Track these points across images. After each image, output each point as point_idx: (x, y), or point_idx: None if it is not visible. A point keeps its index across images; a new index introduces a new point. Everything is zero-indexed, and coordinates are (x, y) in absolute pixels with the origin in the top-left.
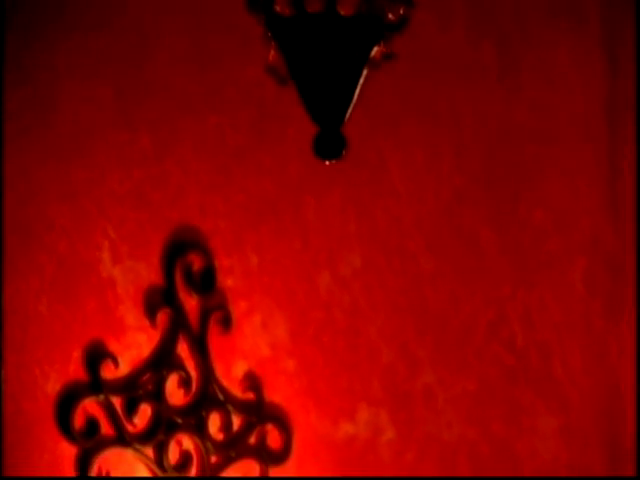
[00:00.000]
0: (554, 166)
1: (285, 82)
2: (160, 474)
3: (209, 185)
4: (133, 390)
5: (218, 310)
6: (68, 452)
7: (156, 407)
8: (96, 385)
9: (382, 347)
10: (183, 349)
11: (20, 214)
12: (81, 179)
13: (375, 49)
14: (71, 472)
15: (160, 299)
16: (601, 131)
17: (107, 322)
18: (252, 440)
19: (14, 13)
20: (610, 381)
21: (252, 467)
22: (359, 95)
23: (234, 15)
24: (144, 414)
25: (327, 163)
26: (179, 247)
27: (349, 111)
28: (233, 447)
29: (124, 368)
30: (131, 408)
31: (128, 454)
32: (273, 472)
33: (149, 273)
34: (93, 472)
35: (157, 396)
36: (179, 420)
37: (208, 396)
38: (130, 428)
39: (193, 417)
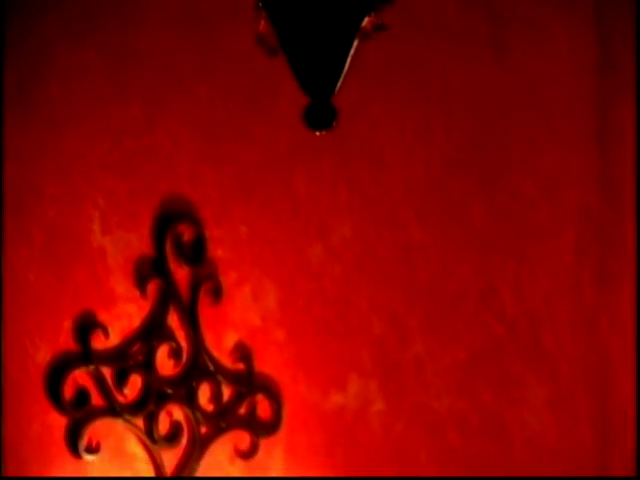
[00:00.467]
0: (544, 137)
1: (275, 52)
2: (150, 444)
3: (199, 155)
4: (123, 361)
5: (208, 280)
6: (58, 422)
7: (146, 378)
8: (86, 355)
9: (372, 318)
10: (173, 320)
11: (10, 184)
12: (71, 149)
13: (366, 20)
14: (61, 442)
15: (150, 269)
16: (592, 102)
17: (97, 292)
18: (242, 411)
19: None
20: (600, 351)
21: (242, 437)
22: (350, 66)
23: None
24: (134, 385)
25: (317, 134)
26: (169, 217)
27: (340, 82)
28: (223, 418)
29: (114, 338)
30: (121, 379)
31: (118, 424)
32: (263, 442)
33: (139, 243)
34: (83, 442)
35: (147, 367)
36: (169, 391)
37: (198, 367)
38: (120, 398)
39: (183, 388)
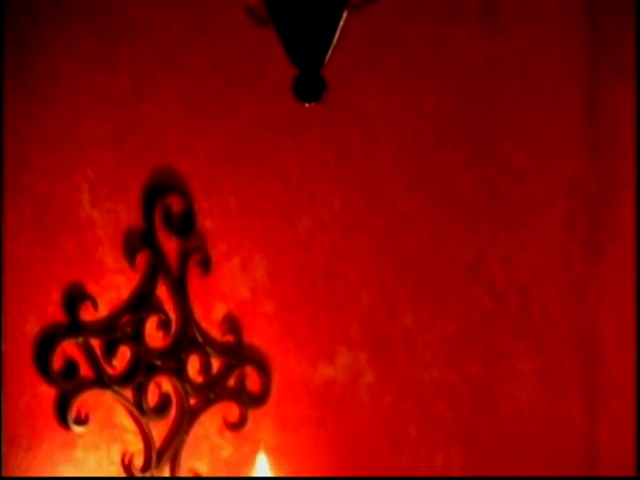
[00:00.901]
0: (534, 109)
1: (264, 23)
2: (139, 416)
3: (189, 127)
4: (112, 332)
5: (197, 252)
6: (47, 394)
7: (135, 349)
8: (75, 327)
9: (361, 290)
10: (162, 291)
11: None
12: (60, 120)
13: None
14: (50, 414)
15: (139, 241)
16: (583, 75)
17: (86, 264)
18: (231, 382)
19: None
20: (589, 324)
21: (231, 409)
22: (339, 37)
23: None
24: (123, 356)
25: (307, 105)
26: (158, 189)
27: (329, 53)
28: (212, 389)
29: (103, 310)
30: (110, 350)
31: (107, 396)
32: (252, 414)
33: (128, 215)
34: (72, 414)
35: (136, 338)
36: (158, 362)
37: (187, 338)
38: (109, 370)
39: (172, 359)
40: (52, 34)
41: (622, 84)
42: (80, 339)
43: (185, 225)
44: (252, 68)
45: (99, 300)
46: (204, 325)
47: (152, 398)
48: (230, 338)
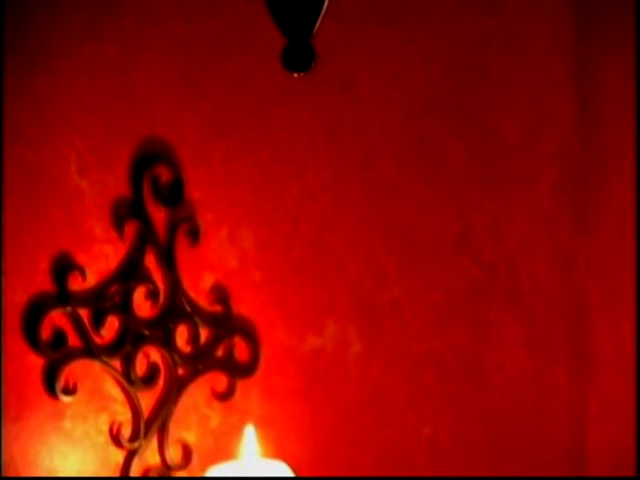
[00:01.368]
0: (523, 79)
1: None
2: (127, 386)
3: (177, 97)
4: (100, 302)
5: (186, 222)
6: (35, 364)
7: (123, 319)
8: (63, 297)
9: (350, 260)
10: (151, 261)
11: None
12: (48, 89)
13: None
14: (38, 384)
15: (128, 211)
16: (572, 46)
17: (74, 234)
18: (219, 352)
19: None
20: (577, 294)
21: (219, 379)
22: (328, 7)
23: None
24: (111, 326)
25: (295, 75)
26: (147, 159)
27: (318, 23)
28: (200, 359)
29: (91, 280)
30: (98, 320)
31: (95, 366)
32: (240, 384)
33: (117, 185)
34: (60, 384)
35: (124, 308)
36: (146, 332)
37: (175, 308)
38: (97, 340)
39: (160, 329)
40: (39, 4)
41: (611, 55)
42: (68, 309)
43: (173, 195)
44: (241, 38)
45: (87, 270)
46: (192, 295)
47: (140, 368)
48: (218, 308)
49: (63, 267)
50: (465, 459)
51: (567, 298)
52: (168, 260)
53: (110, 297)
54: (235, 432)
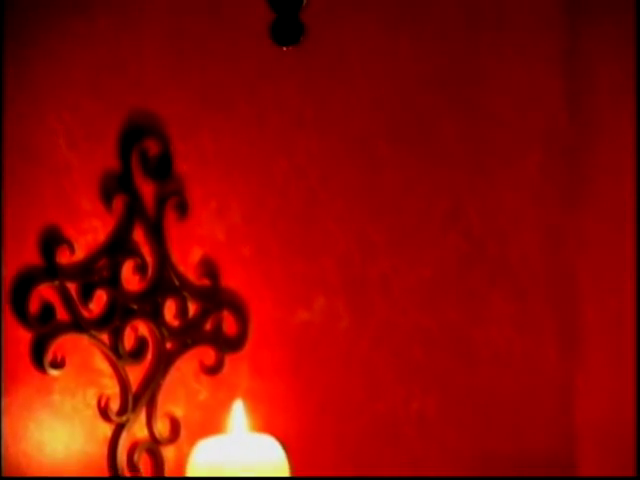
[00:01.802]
0: (513, 55)
1: None
2: (115, 360)
3: (166, 70)
4: (89, 276)
5: (174, 196)
6: (23, 337)
7: (112, 293)
8: (52, 270)
9: (339, 235)
10: (139, 235)
11: None
12: (36, 63)
13: None
14: (26, 358)
15: (116, 185)
16: (562, 22)
17: (63, 207)
18: (208, 326)
19: None
20: (565, 270)
21: (208, 353)
22: None
23: None
24: (100, 300)
25: (285, 49)
26: (135, 133)
27: None
28: (189, 333)
29: (80, 254)
30: (87, 294)
31: (84, 340)
32: (229, 358)
33: (105, 159)
34: (48, 357)
35: (113, 282)
36: (135, 306)
37: (164, 282)
38: (86, 314)
39: (149, 303)
40: None
41: (600, 32)
42: (57, 283)
43: (162, 169)
44: (230, 11)
45: (76, 244)
46: (181, 269)
47: (128, 342)
48: (207, 282)
49: (51, 241)
50: (453, 434)
51: (556, 273)
52: (156, 234)
53: (98, 271)
54: (223, 406)
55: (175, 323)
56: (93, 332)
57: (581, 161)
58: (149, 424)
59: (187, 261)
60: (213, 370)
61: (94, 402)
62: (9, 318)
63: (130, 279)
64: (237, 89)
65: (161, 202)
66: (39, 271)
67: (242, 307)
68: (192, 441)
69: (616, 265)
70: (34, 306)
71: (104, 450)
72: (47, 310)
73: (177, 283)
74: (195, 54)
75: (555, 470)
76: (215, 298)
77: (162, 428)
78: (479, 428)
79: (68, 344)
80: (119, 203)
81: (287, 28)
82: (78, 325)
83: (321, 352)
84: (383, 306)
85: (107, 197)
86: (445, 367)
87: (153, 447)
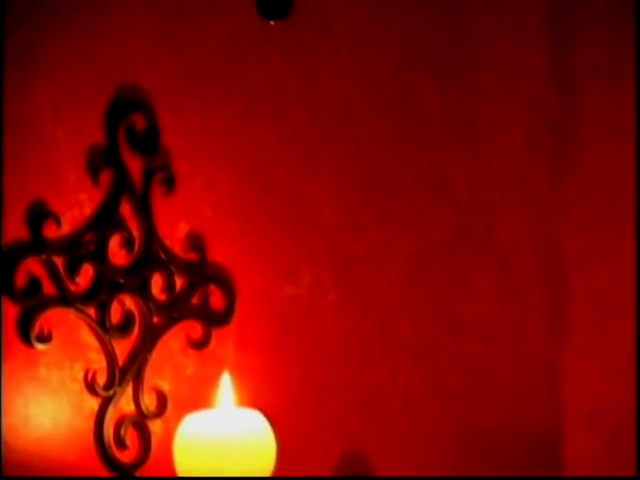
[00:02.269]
0: (499, 30)
1: None
2: (102, 334)
3: (153, 44)
4: (75, 250)
5: (161, 170)
6: (9, 311)
7: (98, 267)
8: (38, 244)
9: (325, 210)
10: (126, 209)
11: None
12: (23, 37)
13: None
14: (12, 331)
15: (103, 159)
16: None
17: (49, 181)
18: (195, 301)
19: None
20: (552, 244)
21: (194, 328)
22: None
23: None
24: (86, 274)
25: (272, 23)
26: (122, 107)
27: None
28: (176, 308)
29: (66, 228)
30: (73, 268)
31: (70, 314)
32: (215, 333)
33: (92, 133)
34: (34, 331)
35: (99, 256)
36: (121, 280)
37: (150, 256)
38: (72, 288)
39: (135, 277)
40: None
41: (587, 5)
42: (43, 256)
43: (149, 143)
44: None
45: (62, 217)
46: (167, 243)
47: (115, 316)
48: (193, 256)
49: (38, 214)
50: (440, 408)
51: (543, 248)
52: (143, 208)
53: (85, 245)
54: (210, 380)
55: (162, 297)
56: (80, 306)
57: (567, 134)
58: (136, 398)
59: (174, 235)
60: (200, 344)
61: (81, 376)
62: None
63: (117, 253)
64: (224, 63)
65: (148, 176)
66: (26, 245)
67: (229, 281)
68: (179, 415)
69: (603, 238)
70: (21, 280)
71: (91, 424)
72: (34, 284)
73: (164, 257)
74: (183, 28)
75: (541, 444)
76: (202, 272)
77: (149, 402)
78: (465, 402)
79: (55, 318)
80: (106, 177)
81: (274, 2)
82: (65, 299)
83: (308, 326)
84: (370, 280)
85: (94, 171)
86: (431, 341)
87: (140, 421)
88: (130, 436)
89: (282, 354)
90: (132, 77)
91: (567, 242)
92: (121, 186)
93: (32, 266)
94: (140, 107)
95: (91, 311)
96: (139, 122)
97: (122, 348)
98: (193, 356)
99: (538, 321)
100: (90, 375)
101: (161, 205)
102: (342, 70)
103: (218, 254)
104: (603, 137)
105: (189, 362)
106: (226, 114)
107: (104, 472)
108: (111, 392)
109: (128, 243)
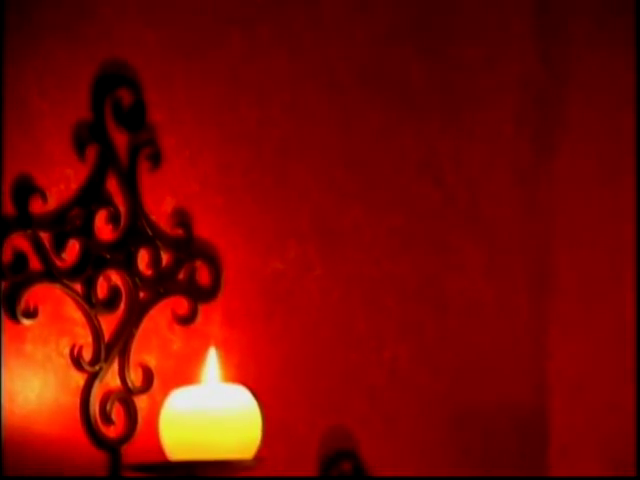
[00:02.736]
0: (485, 5)
1: None
2: (88, 309)
3: (139, 19)
4: (61, 225)
5: (147, 146)
6: None
7: (84, 243)
8: (24, 220)
9: (311, 184)
10: (112, 185)
11: None
12: (6, 11)
13: None
14: None
15: (89, 134)
16: None
17: (35, 156)
18: (181, 276)
19: None
20: (538, 219)
21: (181, 303)
22: None
23: None
24: (72, 249)
25: None
26: (108, 81)
27: None
28: (162, 283)
29: (52, 203)
30: (59, 243)
31: (56, 289)
32: (202, 308)
33: (77, 108)
34: (21, 306)
35: (86, 231)
36: (108, 256)
37: (137, 232)
38: (59, 263)
39: (122, 253)
40: None
41: None
42: (29, 232)
43: (135, 118)
44: None
45: (48, 193)
46: (154, 219)
47: (101, 291)
48: (180, 232)
49: (24, 190)
50: (426, 383)
51: (528, 223)
52: (130, 184)
53: (71, 220)
54: (197, 356)
55: (148, 273)
56: (66, 281)
57: (554, 109)
58: (122, 374)
59: (160, 211)
60: (186, 320)
61: (67, 351)
62: None
63: (103, 228)
64: (210, 38)
65: (134, 152)
66: (12, 220)
67: (215, 257)
68: (165, 391)
69: (590, 213)
70: (7, 255)
71: (77, 400)
72: (20, 259)
73: (150, 233)
74: (168, 2)
75: (526, 421)
76: (188, 248)
77: (135, 378)
78: (451, 378)
79: (41, 293)
80: (92, 152)
81: None
82: (51, 274)
83: (294, 301)
84: (355, 255)
85: (80, 146)
86: (417, 316)
87: (126, 397)
88: (116, 411)
89: (268, 329)
90: (118, 52)
91: (554, 217)
92: (107, 161)
93: (18, 241)
94: (126, 82)
95: (77, 286)
96: (125, 97)
97: (108, 323)
98: (179, 331)
99: (524, 295)
100: (76, 350)
101: (147, 180)
102: (327, 44)
103: (204, 229)
104: (591, 111)
105: (175, 337)
106: (212, 89)
107: (90, 447)
108: (97, 367)
109: (114, 218)
